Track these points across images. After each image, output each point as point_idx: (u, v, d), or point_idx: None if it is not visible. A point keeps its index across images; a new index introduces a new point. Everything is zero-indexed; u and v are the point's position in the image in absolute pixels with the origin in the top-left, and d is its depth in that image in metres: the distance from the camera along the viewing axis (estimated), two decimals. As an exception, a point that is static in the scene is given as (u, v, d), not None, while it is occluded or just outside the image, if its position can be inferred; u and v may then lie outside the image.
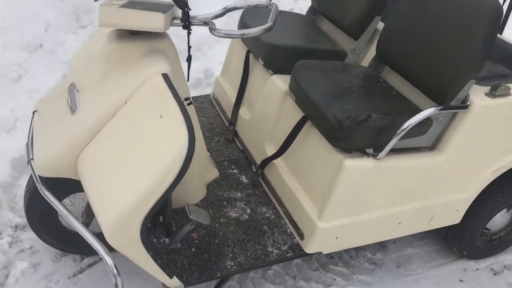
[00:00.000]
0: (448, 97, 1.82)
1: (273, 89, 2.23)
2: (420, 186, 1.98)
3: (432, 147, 1.96)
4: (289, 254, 1.91)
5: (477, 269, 2.44)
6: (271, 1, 1.98)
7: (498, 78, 1.99)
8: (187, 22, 1.71)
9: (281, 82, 2.20)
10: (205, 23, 1.72)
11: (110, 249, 1.54)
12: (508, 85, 1.91)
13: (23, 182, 2.52)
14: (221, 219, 2.03)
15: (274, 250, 1.92)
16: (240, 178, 2.27)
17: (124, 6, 1.66)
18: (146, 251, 1.53)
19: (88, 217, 2.01)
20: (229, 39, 2.76)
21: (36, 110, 1.96)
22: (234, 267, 1.84)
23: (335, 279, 2.26)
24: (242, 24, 2.43)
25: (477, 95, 1.88)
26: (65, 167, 1.69)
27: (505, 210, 2.33)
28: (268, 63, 2.30)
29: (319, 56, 2.22)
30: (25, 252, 2.18)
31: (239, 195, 2.17)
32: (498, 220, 2.35)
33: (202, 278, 1.78)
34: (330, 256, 2.37)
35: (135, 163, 1.49)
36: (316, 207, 1.89)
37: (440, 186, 2.02)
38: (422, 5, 1.95)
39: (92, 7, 3.55)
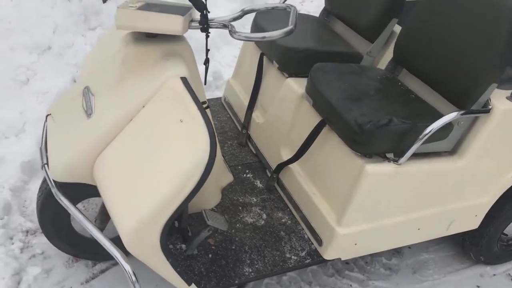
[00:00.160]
0: (470, 101, 1.79)
1: (288, 93, 2.20)
2: (440, 191, 1.95)
3: (452, 151, 1.93)
4: (307, 261, 1.88)
5: (494, 274, 2.41)
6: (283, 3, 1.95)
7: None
8: (205, 25, 1.68)
9: (296, 86, 2.17)
10: (225, 26, 1.69)
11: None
12: (529, 89, 1.89)
13: (32, 186, 2.49)
14: (237, 225, 2.00)
15: (292, 257, 1.89)
16: (255, 183, 2.24)
17: (141, 8, 1.63)
18: (165, 258, 1.50)
19: (102, 222, 1.98)
20: (239, 42, 2.74)
21: (50, 114, 1.92)
22: (252, 273, 1.80)
23: (351, 285, 2.23)
24: (256, 26, 2.40)
25: (499, 99, 1.85)
26: (82, 172, 1.65)
27: (523, 215, 2.30)
28: (283, 66, 2.27)
29: (335, 59, 2.19)
30: (36, 258, 2.15)
31: (254, 200, 2.14)
32: (516, 225, 2.32)
33: (220, 285, 1.75)
34: (346, 261, 2.34)
35: (155, 169, 1.46)
36: (335, 213, 1.86)
37: (460, 191, 1.99)
38: (443, 8, 1.92)
39: (101, 9, 3.52)
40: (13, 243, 2.17)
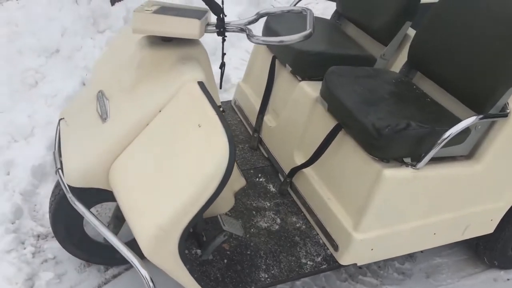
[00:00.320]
0: (488, 105, 1.77)
1: (301, 96, 2.19)
2: (456, 196, 1.93)
3: (468, 155, 1.92)
4: (323, 266, 1.86)
5: (508, 279, 2.39)
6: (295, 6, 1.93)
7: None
8: (222, 29, 1.67)
9: (310, 89, 2.16)
10: (242, 30, 1.68)
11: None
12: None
13: (42, 191, 2.47)
14: (252, 229, 1.98)
15: (308, 262, 1.87)
16: (268, 187, 2.23)
17: (157, 12, 1.62)
18: (183, 265, 1.49)
19: (115, 227, 1.97)
20: (245, 45, 2.72)
21: (63, 118, 1.91)
22: (268, 279, 1.79)
23: (364, 290, 2.22)
24: (268, 29, 2.38)
25: (516, 103, 1.83)
26: (97, 177, 1.64)
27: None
28: (296, 69, 2.25)
29: (348, 62, 2.17)
30: (48, 263, 2.13)
31: (268, 204, 2.12)
32: (531, 229, 2.30)
33: (237, 291, 1.73)
34: (359, 266, 2.32)
35: (173, 174, 1.45)
36: (351, 218, 1.84)
37: (476, 196, 1.98)
38: (463, 10, 1.90)
39: (109, 11, 3.50)
40: (25, 248, 2.15)
